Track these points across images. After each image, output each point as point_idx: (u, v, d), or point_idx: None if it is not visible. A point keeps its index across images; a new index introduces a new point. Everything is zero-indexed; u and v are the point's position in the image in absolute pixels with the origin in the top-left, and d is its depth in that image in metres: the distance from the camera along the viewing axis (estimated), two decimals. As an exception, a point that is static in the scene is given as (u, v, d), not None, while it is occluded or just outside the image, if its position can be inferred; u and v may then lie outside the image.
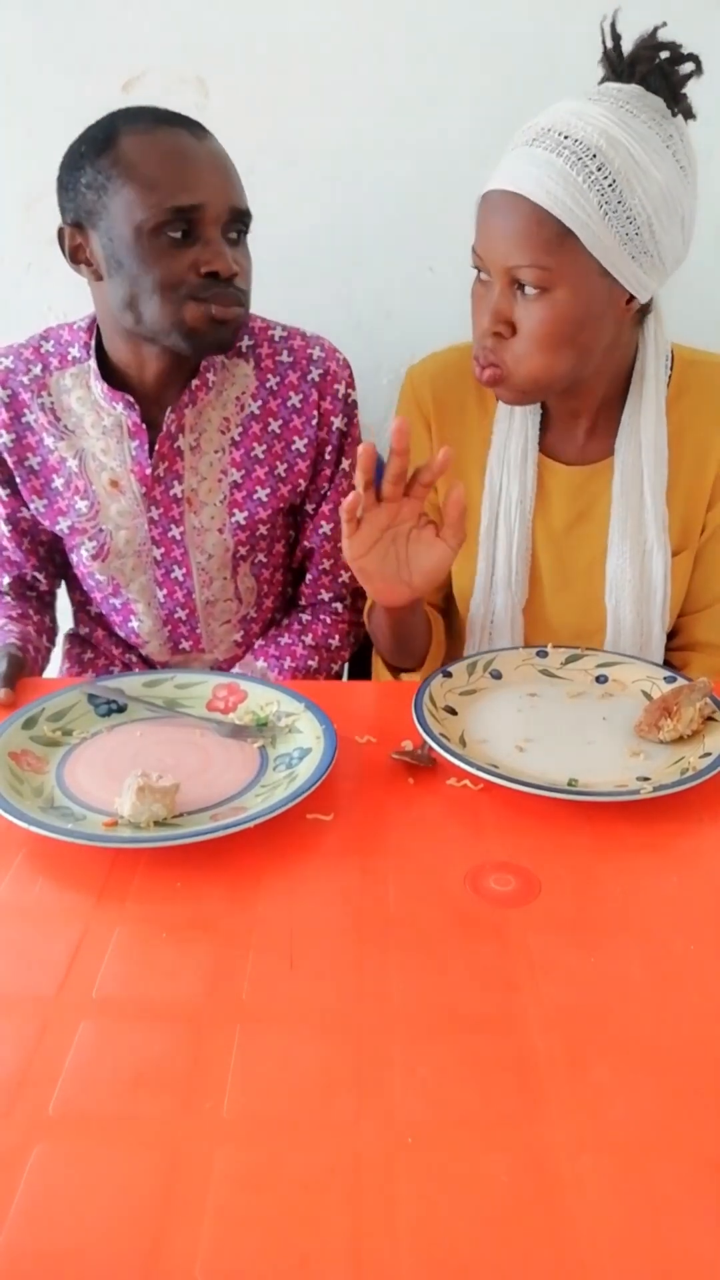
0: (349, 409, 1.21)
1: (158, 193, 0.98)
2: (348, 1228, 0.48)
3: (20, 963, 0.66)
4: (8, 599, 1.26)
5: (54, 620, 1.33)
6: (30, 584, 1.29)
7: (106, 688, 0.98)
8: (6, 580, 1.27)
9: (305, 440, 1.19)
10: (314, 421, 1.18)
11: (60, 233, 1.06)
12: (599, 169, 0.91)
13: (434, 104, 1.40)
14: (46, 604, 1.33)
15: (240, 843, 0.77)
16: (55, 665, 1.34)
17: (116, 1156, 0.52)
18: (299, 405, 1.17)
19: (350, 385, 1.20)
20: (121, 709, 0.97)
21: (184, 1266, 0.46)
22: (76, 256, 1.06)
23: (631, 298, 0.98)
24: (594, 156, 0.91)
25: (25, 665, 1.08)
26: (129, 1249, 0.47)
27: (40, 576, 1.28)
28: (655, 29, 0.94)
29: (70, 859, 0.76)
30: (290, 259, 1.48)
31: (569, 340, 0.98)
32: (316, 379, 1.17)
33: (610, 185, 0.91)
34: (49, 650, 1.28)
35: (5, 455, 1.18)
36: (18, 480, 1.20)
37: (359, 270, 1.50)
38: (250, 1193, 0.50)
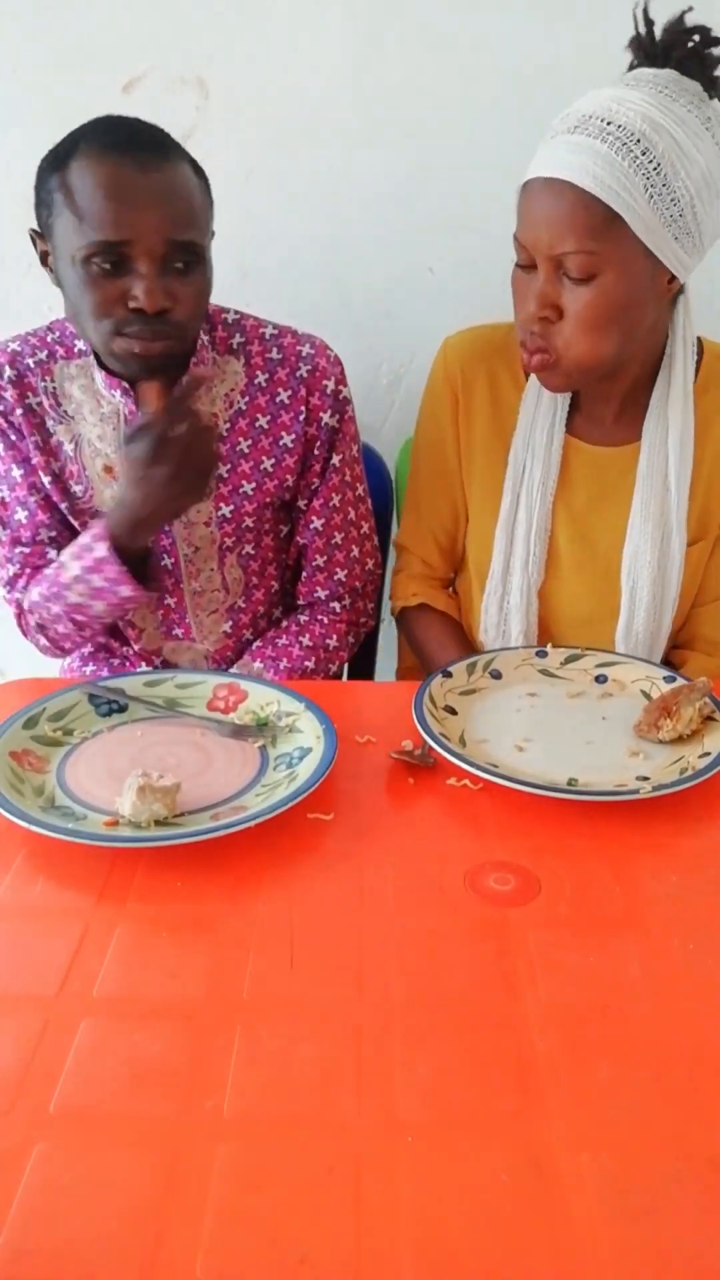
0: (340, 405, 1.21)
1: (88, 224, 0.97)
2: (348, 1227, 0.48)
3: (21, 962, 0.66)
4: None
5: None
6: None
7: (107, 688, 0.98)
8: (48, 552, 1.24)
9: (293, 436, 1.19)
10: (302, 418, 1.18)
11: (31, 235, 1.08)
12: (643, 153, 0.92)
13: (434, 104, 1.40)
14: None
15: (240, 842, 0.77)
16: (57, 662, 1.34)
17: (117, 1155, 0.52)
18: (287, 401, 1.18)
19: (341, 381, 1.21)
20: (122, 709, 0.97)
21: (184, 1265, 0.47)
22: (44, 261, 1.08)
23: (673, 278, 1.00)
24: (638, 141, 0.92)
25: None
26: (129, 1247, 0.47)
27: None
28: (682, 13, 0.96)
29: (71, 858, 0.76)
30: (290, 259, 1.48)
31: (616, 322, 0.99)
32: (305, 375, 1.18)
33: (655, 169, 0.92)
34: None
35: (24, 431, 1.18)
36: (31, 458, 1.20)
37: (359, 270, 1.50)
38: (250, 1192, 0.50)
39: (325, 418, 1.19)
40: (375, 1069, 0.57)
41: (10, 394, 1.17)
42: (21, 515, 1.22)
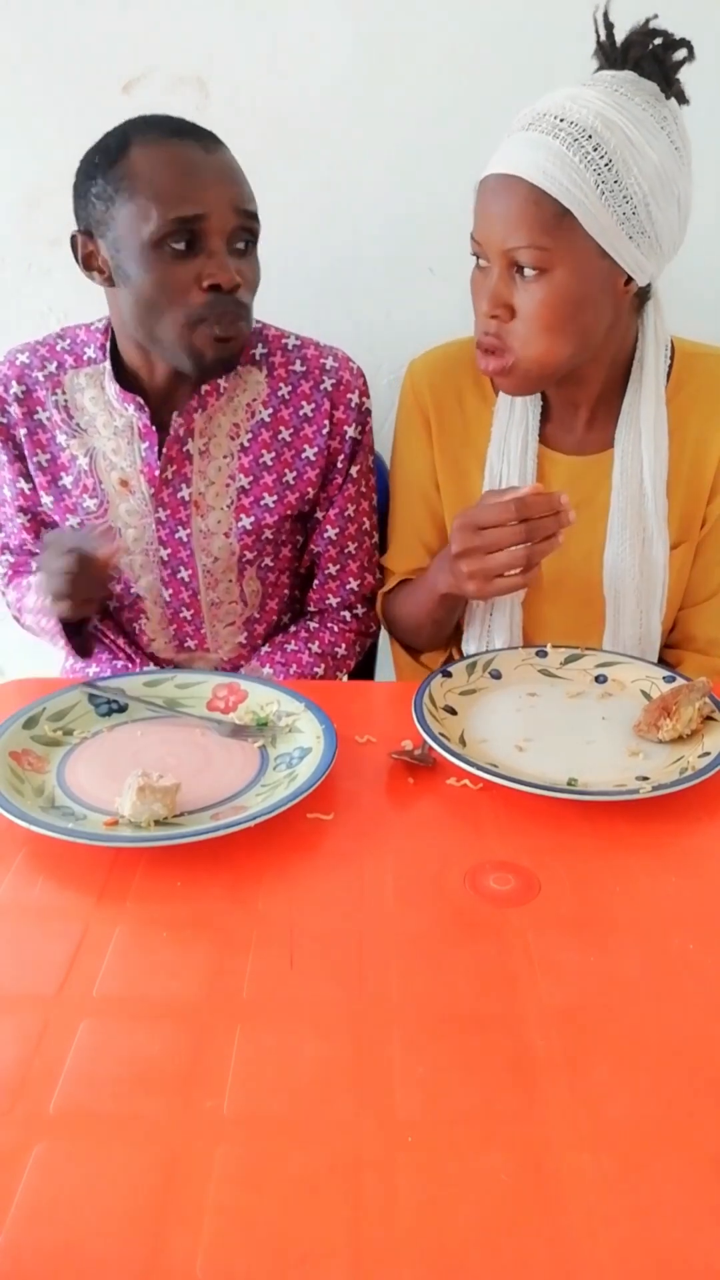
0: (362, 417, 1.21)
1: (161, 204, 0.98)
2: (348, 1227, 0.48)
3: (21, 962, 0.66)
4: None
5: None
6: None
7: (107, 687, 0.98)
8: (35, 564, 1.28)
9: (315, 449, 1.19)
10: (325, 431, 1.18)
11: (73, 239, 1.06)
12: (595, 149, 0.92)
13: (434, 103, 1.40)
14: None
15: (240, 842, 0.77)
16: (57, 661, 1.34)
17: (116, 1156, 0.52)
18: (310, 414, 1.18)
19: (364, 394, 1.21)
20: (122, 709, 0.97)
21: (184, 1266, 0.47)
22: (89, 263, 1.06)
23: (629, 280, 0.99)
24: (589, 138, 0.92)
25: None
26: (129, 1248, 0.47)
27: None
28: (647, 19, 0.96)
29: (71, 858, 0.76)
30: (290, 259, 1.48)
31: (569, 321, 0.98)
32: (329, 389, 1.17)
33: (607, 165, 0.92)
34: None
35: (24, 450, 1.19)
36: (33, 476, 1.21)
37: (359, 270, 1.50)
38: (250, 1192, 0.50)
39: (350, 431, 1.19)
40: (375, 1069, 0.57)
41: (15, 410, 1.17)
42: (12, 527, 1.25)
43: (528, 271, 0.96)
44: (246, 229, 1.03)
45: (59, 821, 0.78)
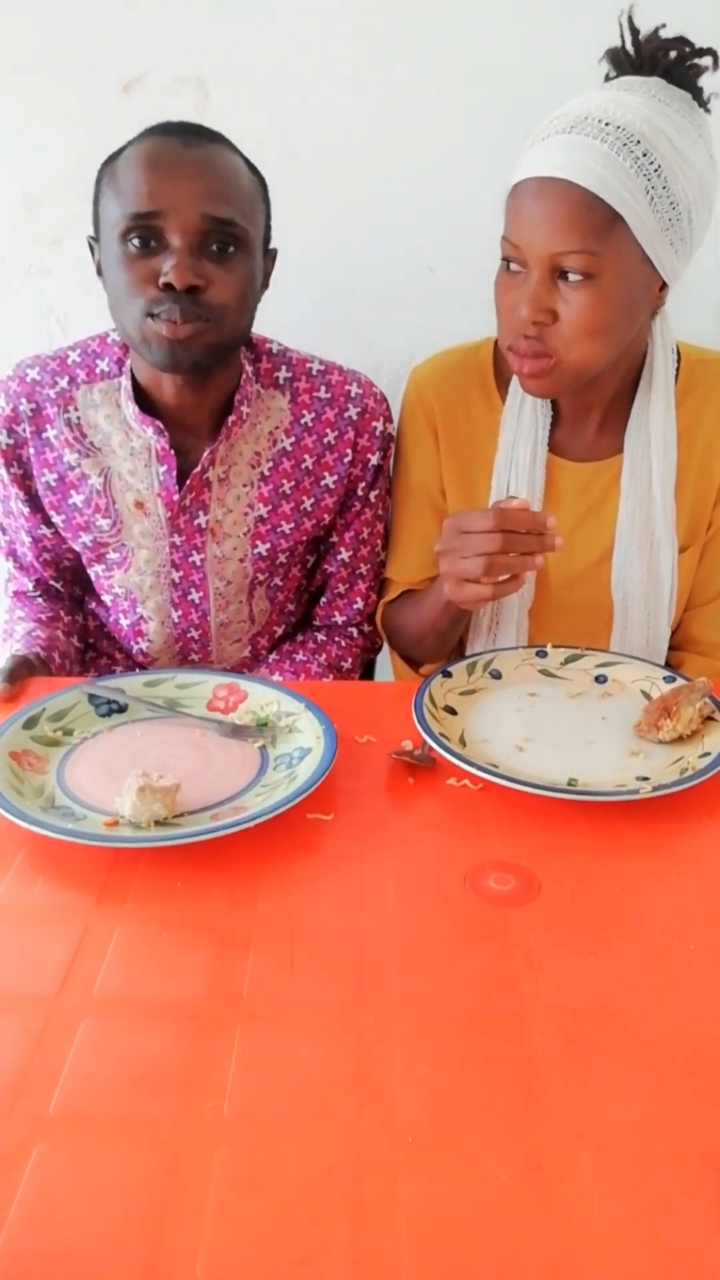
0: (385, 444, 1.20)
1: (124, 199, 0.96)
2: (348, 1228, 0.48)
3: (21, 962, 0.66)
4: (39, 601, 1.27)
5: (85, 617, 1.33)
6: (54, 590, 1.30)
7: (107, 687, 0.98)
8: (31, 583, 1.27)
9: (336, 477, 1.17)
10: (347, 459, 1.17)
11: (89, 242, 1.06)
12: (644, 155, 0.91)
13: (434, 105, 1.40)
14: (78, 600, 1.32)
15: (240, 843, 0.77)
16: (57, 661, 1.34)
17: (116, 1156, 0.52)
18: (333, 442, 1.16)
19: (388, 420, 1.19)
20: (122, 709, 0.97)
21: (184, 1266, 0.47)
22: (99, 268, 1.06)
23: (663, 285, 0.99)
24: (638, 142, 0.91)
25: (35, 669, 1.09)
26: (129, 1249, 0.47)
27: (59, 586, 1.29)
28: (657, 28, 0.96)
29: (71, 859, 0.76)
30: (290, 260, 1.48)
31: (613, 326, 0.98)
32: (354, 417, 1.16)
33: (656, 171, 0.91)
34: (80, 651, 1.28)
35: (31, 470, 1.17)
36: (40, 496, 1.18)
37: (359, 272, 1.50)
38: (250, 1193, 0.50)
39: (373, 459, 1.18)
40: (375, 1069, 0.57)
41: (23, 429, 1.15)
42: (22, 548, 1.25)
43: (572, 276, 0.94)
44: (218, 232, 0.97)
45: (59, 822, 0.78)
